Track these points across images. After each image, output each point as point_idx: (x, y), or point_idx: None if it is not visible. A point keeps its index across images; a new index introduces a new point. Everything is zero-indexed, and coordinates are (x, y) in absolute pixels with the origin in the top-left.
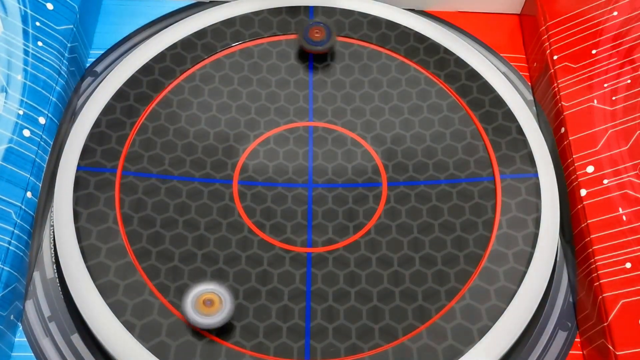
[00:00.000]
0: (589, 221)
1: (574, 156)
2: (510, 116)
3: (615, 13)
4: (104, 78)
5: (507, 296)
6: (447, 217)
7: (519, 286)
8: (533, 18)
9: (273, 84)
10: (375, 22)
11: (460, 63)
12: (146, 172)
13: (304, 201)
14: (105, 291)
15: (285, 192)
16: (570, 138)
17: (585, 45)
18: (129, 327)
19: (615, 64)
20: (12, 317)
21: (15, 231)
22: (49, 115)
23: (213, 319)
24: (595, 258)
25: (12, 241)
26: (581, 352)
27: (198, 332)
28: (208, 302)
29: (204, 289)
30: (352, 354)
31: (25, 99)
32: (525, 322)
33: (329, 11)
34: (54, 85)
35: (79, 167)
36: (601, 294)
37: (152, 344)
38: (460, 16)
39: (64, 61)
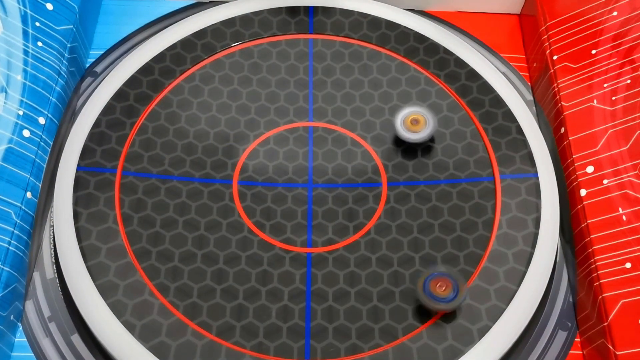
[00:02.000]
0: (588, 221)
1: (573, 156)
2: (510, 116)
3: (615, 13)
4: (104, 78)
5: (507, 296)
6: (447, 217)
7: (519, 286)
8: (533, 18)
9: (273, 84)
10: (375, 22)
11: (460, 63)
12: (146, 172)
13: (304, 201)
14: (105, 291)
15: (285, 192)
16: (570, 138)
17: (585, 45)
18: (129, 327)
19: (615, 64)
20: (12, 317)
21: (15, 231)
22: (49, 115)
23: (419, 134)
24: (595, 258)
25: (12, 241)
26: (581, 352)
27: (198, 332)
28: (414, 121)
29: (410, 110)
30: (352, 354)
31: (25, 99)
32: (525, 322)
33: (329, 11)
34: (54, 85)
35: (79, 167)
36: (601, 294)
37: (152, 344)
38: (460, 16)
39: (64, 61)
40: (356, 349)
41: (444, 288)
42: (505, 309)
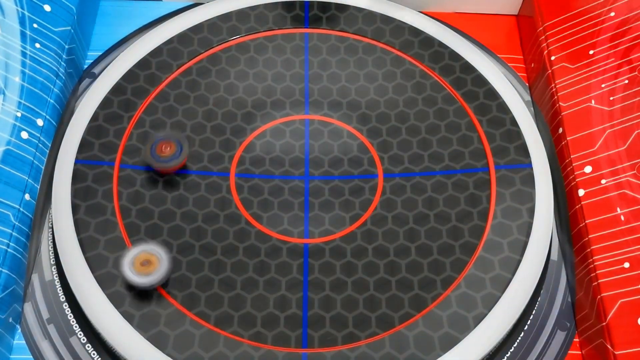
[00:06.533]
0: (587, 221)
1: (571, 156)
2: (504, 108)
3: (612, 14)
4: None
5: (502, 284)
6: (443, 208)
7: (513, 274)
8: (530, 19)
9: (269, 78)
10: (370, 16)
11: (455, 56)
12: (144, 165)
13: (301, 193)
14: (104, 282)
15: (282, 184)
16: (568, 138)
17: (582, 45)
18: (128, 317)
19: (612, 64)
20: (10, 319)
21: (13, 233)
22: (47, 117)
23: (152, 277)
24: (594, 258)
25: (11, 243)
26: (580, 352)
27: (197, 322)
28: (146, 262)
29: (140, 250)
30: (350, 342)
31: (23, 101)
32: (520, 310)
33: (324, 5)
34: (52, 87)
35: (77, 161)
36: (599, 294)
37: (151, 334)
38: (457, 17)
39: (62, 63)
40: (353, 338)
41: (168, 149)
42: (500, 297)
